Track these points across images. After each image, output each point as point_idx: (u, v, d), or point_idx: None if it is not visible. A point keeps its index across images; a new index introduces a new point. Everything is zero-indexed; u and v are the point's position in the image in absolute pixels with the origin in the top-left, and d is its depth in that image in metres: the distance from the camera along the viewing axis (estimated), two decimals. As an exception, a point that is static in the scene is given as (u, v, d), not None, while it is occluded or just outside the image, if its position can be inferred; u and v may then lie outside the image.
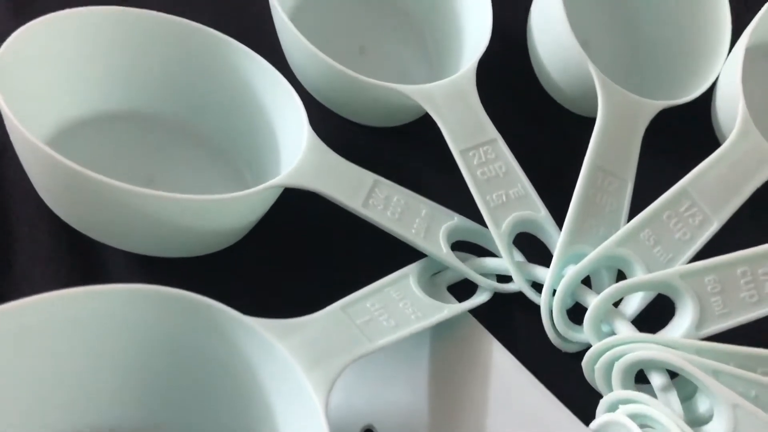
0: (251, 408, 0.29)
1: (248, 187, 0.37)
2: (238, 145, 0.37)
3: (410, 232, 0.33)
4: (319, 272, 0.35)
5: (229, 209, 0.32)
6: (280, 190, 0.33)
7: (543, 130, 0.40)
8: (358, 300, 0.31)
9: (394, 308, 0.31)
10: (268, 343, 0.27)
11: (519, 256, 0.35)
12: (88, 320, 0.27)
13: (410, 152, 0.39)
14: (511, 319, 0.34)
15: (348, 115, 0.39)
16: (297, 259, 0.35)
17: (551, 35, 0.37)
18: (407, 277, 0.33)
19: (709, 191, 0.34)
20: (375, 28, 0.42)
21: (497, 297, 0.34)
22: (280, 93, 0.35)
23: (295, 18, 0.39)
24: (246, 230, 0.34)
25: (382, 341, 0.29)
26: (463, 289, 0.35)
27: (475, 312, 0.34)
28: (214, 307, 0.27)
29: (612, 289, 0.32)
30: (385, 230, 0.33)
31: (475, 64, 0.36)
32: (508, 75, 0.41)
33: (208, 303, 0.27)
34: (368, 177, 0.34)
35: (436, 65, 0.41)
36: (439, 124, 0.35)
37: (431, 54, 0.42)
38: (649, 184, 0.35)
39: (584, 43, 0.42)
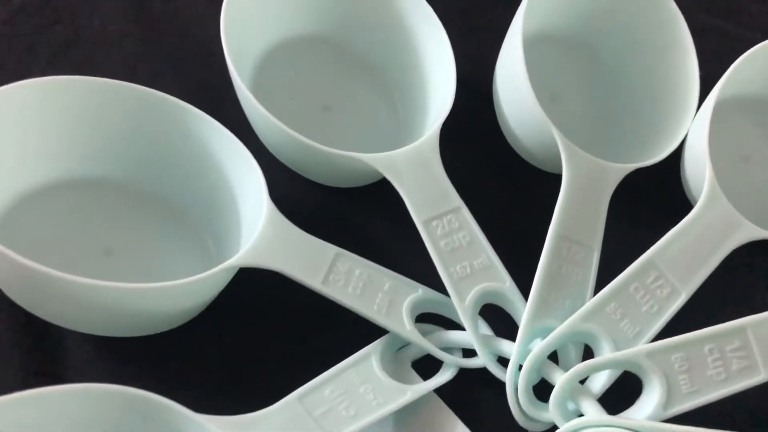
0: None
1: (211, 258, 0.36)
2: (200, 214, 0.36)
3: (372, 309, 0.32)
4: (278, 352, 0.34)
5: (180, 294, 0.31)
6: (237, 269, 0.33)
7: (511, 189, 0.39)
8: (316, 388, 0.30)
9: (355, 394, 0.30)
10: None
11: (486, 329, 0.34)
12: (38, 419, 0.26)
13: (378, 212, 0.38)
14: (477, 396, 0.33)
15: (313, 177, 0.38)
16: (253, 338, 0.34)
17: (515, 96, 0.37)
18: (369, 357, 0.32)
19: (676, 261, 0.33)
20: (341, 85, 0.41)
21: (463, 371, 0.33)
22: (240, 162, 0.34)
23: (258, 76, 0.39)
24: (201, 308, 0.34)
25: (341, 432, 0.29)
26: (430, 360, 0.34)
27: (440, 387, 0.33)
28: (164, 405, 0.27)
29: (577, 368, 0.31)
30: (347, 307, 0.32)
31: (438, 130, 0.35)
32: (476, 130, 0.41)
33: (158, 401, 0.27)
34: (330, 250, 0.33)
35: (403, 123, 0.40)
36: (402, 194, 0.34)
37: (399, 111, 0.41)
38: (619, 249, 0.35)
39: (554, 97, 0.41)
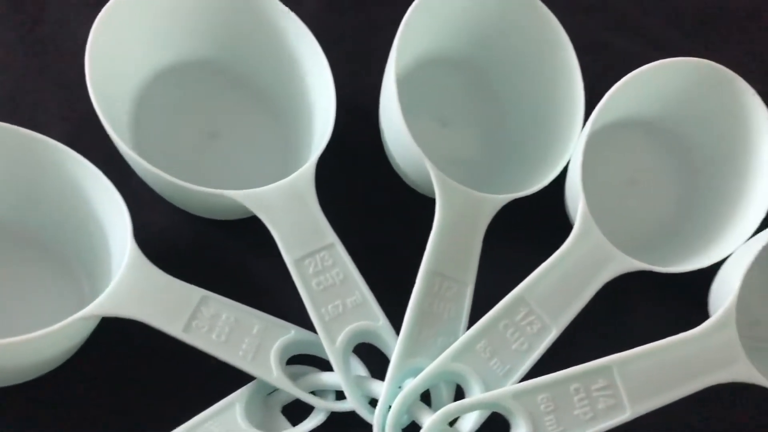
0: None
1: (85, 299, 0.35)
2: (74, 255, 0.35)
3: (237, 356, 0.31)
4: (141, 403, 0.33)
5: (40, 345, 0.30)
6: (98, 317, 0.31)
7: (398, 217, 0.39)
8: (171, 444, 0.29)
9: (212, 448, 0.29)
10: None
11: (362, 370, 0.34)
12: None
13: (262, 245, 0.36)
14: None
15: (192, 211, 0.37)
16: (115, 388, 0.33)
17: (392, 127, 0.36)
18: (233, 406, 0.31)
19: (546, 297, 0.32)
20: (229, 111, 0.40)
21: (336, 415, 0.33)
22: (110, 204, 0.33)
23: (141, 104, 0.38)
24: (68, 355, 0.33)
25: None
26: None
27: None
28: None
29: (443, 411, 0.30)
30: (210, 355, 0.31)
31: (314, 163, 0.34)
32: (363, 156, 0.40)
33: None
34: (195, 294, 0.32)
35: (293, 149, 0.39)
36: (272, 232, 0.33)
37: (287, 137, 0.39)
38: (501, 280, 0.34)
39: (444, 122, 0.41)
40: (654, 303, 0.37)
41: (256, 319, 0.33)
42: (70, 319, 0.30)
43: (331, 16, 0.43)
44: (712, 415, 0.36)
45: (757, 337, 0.35)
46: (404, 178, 0.39)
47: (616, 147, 0.39)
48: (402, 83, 0.40)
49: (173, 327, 0.31)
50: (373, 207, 0.39)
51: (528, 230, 0.38)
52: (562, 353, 0.32)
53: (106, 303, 0.30)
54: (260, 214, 0.33)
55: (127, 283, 0.31)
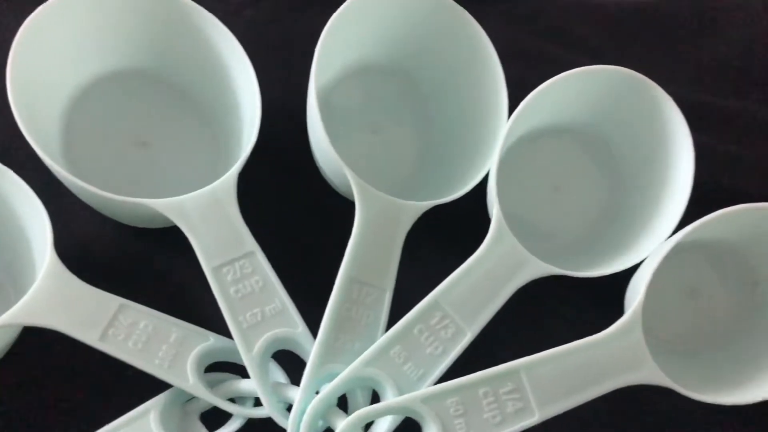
0: None
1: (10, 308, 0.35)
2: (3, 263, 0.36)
3: (153, 364, 0.32)
4: (57, 411, 0.33)
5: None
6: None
7: (321, 219, 0.39)
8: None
9: (123, 456, 0.30)
10: None
11: (281, 377, 0.34)
12: None
13: (184, 252, 0.36)
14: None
15: (119, 219, 0.38)
16: (29, 397, 0.33)
17: (315, 135, 0.36)
18: (148, 413, 0.31)
19: (461, 301, 0.33)
20: (160, 120, 0.40)
21: (257, 420, 0.33)
22: (30, 211, 0.33)
23: (72, 114, 0.38)
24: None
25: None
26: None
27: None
28: None
29: (354, 416, 0.31)
30: (127, 362, 0.32)
31: (236, 172, 0.35)
32: (292, 162, 0.40)
33: None
34: (113, 303, 0.32)
35: (224, 155, 0.39)
36: (191, 240, 0.34)
37: (219, 143, 0.40)
38: (422, 285, 0.34)
39: (376, 129, 0.41)
40: (574, 308, 0.37)
41: (174, 327, 0.33)
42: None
43: (270, 25, 0.43)
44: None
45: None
46: (331, 184, 0.39)
47: (541, 153, 0.40)
48: (332, 90, 0.41)
49: (89, 336, 0.31)
50: (300, 211, 0.39)
51: (452, 235, 0.38)
52: (479, 357, 0.33)
53: (21, 312, 0.31)
54: (179, 223, 0.34)
55: (44, 292, 0.31)
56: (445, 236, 0.38)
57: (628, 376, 0.31)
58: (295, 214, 0.39)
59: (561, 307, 0.37)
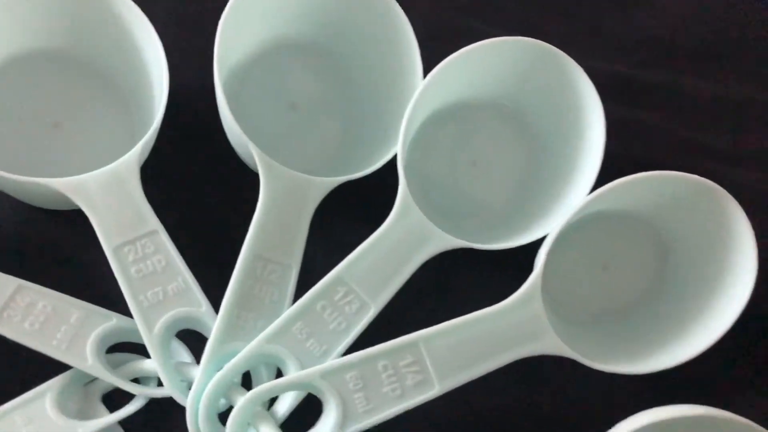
0: None
1: None
2: None
3: (50, 345, 0.31)
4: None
5: None
6: None
7: (231, 200, 0.38)
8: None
9: (14, 437, 0.29)
10: None
11: (186, 356, 0.34)
12: None
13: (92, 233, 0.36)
14: (169, 425, 0.33)
15: (25, 200, 0.37)
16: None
17: (222, 111, 0.36)
18: (44, 395, 0.31)
19: (366, 276, 0.33)
20: (72, 100, 0.39)
21: (159, 403, 0.33)
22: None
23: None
24: None
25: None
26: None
27: (132, 421, 0.32)
28: None
29: (253, 393, 0.30)
30: (22, 344, 0.31)
31: (139, 151, 0.34)
32: (205, 137, 0.39)
33: None
34: (10, 284, 0.32)
35: (137, 136, 0.39)
36: (91, 220, 0.33)
37: (135, 121, 0.39)
38: (334, 261, 0.34)
39: (294, 106, 0.41)
40: (486, 280, 0.37)
41: (75, 308, 0.32)
42: None
43: (184, 1, 0.42)
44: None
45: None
46: (248, 164, 0.39)
47: (457, 128, 0.40)
48: (249, 68, 0.40)
49: (-19, 317, 0.31)
50: (212, 191, 0.39)
51: (367, 212, 0.38)
52: (388, 333, 0.32)
53: None
54: (78, 202, 0.33)
55: (-65, 274, 0.31)
56: (360, 213, 0.38)
57: (528, 346, 0.31)
58: (207, 193, 0.38)
59: (472, 280, 0.37)
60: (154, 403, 0.33)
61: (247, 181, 0.39)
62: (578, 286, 0.36)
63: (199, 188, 0.39)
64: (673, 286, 0.36)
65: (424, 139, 0.39)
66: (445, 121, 0.39)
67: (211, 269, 0.34)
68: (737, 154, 0.41)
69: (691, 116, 0.42)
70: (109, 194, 0.33)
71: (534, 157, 0.39)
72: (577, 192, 0.35)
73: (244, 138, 0.34)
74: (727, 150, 0.41)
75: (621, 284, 0.37)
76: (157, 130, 0.35)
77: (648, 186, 0.33)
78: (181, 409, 0.32)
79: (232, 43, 0.36)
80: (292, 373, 0.31)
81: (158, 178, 0.36)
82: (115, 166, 0.34)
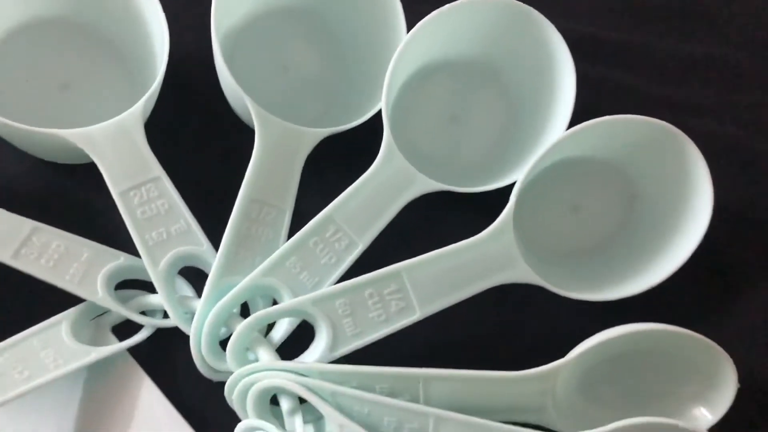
0: None
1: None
2: None
3: (63, 279, 0.34)
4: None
5: None
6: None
7: (228, 151, 0.41)
8: (-9, 354, 0.31)
9: (33, 359, 0.32)
10: None
11: (188, 290, 0.36)
12: None
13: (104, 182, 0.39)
14: (174, 354, 0.36)
15: (38, 155, 0.40)
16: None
17: (219, 69, 0.38)
18: (59, 324, 0.34)
19: (354, 216, 0.35)
20: (80, 63, 0.42)
21: (165, 333, 0.36)
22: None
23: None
24: None
25: (12, 394, 0.31)
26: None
27: (139, 350, 0.35)
28: None
29: (251, 318, 0.33)
30: (39, 279, 0.34)
31: (142, 104, 0.37)
32: (202, 96, 0.42)
33: None
34: (26, 225, 0.35)
35: (140, 94, 0.41)
36: (100, 167, 0.36)
37: (137, 82, 0.42)
38: (322, 205, 0.36)
39: (287, 67, 0.43)
40: (464, 219, 0.39)
41: (86, 248, 0.35)
42: None
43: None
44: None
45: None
46: (241, 117, 0.41)
47: (437, 87, 0.42)
48: (244, 33, 0.43)
49: (2, 254, 0.33)
50: (210, 143, 0.41)
51: (354, 161, 0.41)
52: (372, 266, 0.35)
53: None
54: (88, 150, 0.36)
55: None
56: (348, 162, 0.41)
57: (501, 275, 0.34)
58: (207, 147, 0.41)
59: (452, 221, 0.40)
60: (159, 333, 0.36)
61: (243, 137, 0.42)
62: (550, 227, 0.39)
63: (200, 143, 0.41)
64: (639, 226, 0.39)
65: (408, 97, 0.41)
66: (427, 80, 0.42)
67: (211, 212, 0.37)
68: (698, 107, 0.44)
69: (657, 73, 0.45)
70: (116, 143, 0.36)
71: (511, 112, 0.42)
72: (547, 141, 0.38)
73: (240, 92, 0.37)
74: (688, 103, 0.44)
75: (590, 225, 0.40)
76: (160, 85, 0.38)
77: (614, 130, 0.36)
78: (185, 339, 0.35)
79: (227, 9, 0.39)
80: (279, 304, 0.34)
81: (162, 134, 0.39)
82: (121, 119, 0.37)
